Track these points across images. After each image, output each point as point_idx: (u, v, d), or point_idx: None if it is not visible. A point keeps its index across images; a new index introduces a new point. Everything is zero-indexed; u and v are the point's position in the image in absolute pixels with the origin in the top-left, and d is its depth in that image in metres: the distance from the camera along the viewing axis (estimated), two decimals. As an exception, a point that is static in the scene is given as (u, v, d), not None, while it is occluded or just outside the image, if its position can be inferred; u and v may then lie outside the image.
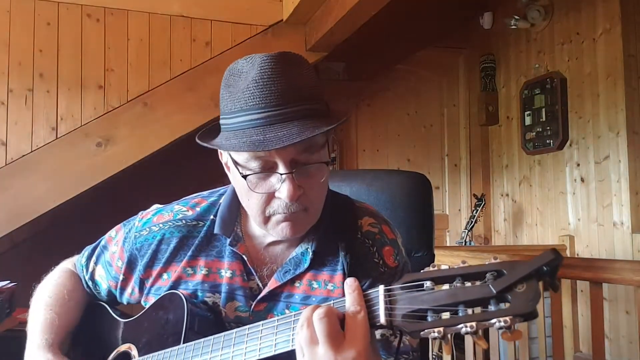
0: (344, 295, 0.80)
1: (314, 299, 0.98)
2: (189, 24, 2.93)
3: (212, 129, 0.97)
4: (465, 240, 4.15)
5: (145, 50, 2.86)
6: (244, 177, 0.90)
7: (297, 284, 0.99)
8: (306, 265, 0.98)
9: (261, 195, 0.91)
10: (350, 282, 0.79)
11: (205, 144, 0.92)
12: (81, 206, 3.09)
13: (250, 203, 0.94)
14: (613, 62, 3.48)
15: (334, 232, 1.00)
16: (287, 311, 0.98)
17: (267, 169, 0.89)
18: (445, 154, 4.78)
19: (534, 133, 4.10)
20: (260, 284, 1.00)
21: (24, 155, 2.63)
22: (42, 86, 2.68)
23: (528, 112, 4.15)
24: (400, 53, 4.37)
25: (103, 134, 2.73)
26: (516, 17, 4.05)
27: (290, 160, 0.88)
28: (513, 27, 4.08)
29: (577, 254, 3.69)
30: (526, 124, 4.17)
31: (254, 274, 1.00)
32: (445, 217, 4.69)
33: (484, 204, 4.19)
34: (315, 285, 0.98)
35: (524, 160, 4.28)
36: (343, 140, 4.45)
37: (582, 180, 3.71)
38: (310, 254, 0.98)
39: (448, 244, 4.60)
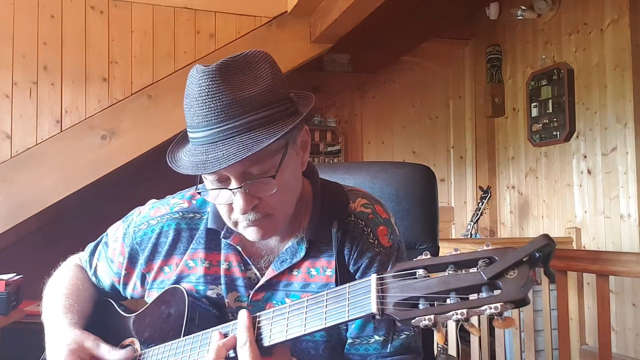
0: (332, 280, 0.90)
1: (313, 286, 0.99)
2: (193, 16, 2.92)
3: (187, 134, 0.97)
4: (470, 233, 4.13)
5: (149, 43, 2.85)
6: (198, 193, 0.93)
7: (295, 273, 1.00)
8: (302, 254, 0.99)
9: (223, 207, 0.93)
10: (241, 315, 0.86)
11: (168, 159, 0.95)
12: (86, 199, 3.10)
13: (219, 210, 0.96)
14: (621, 53, 3.44)
15: (326, 218, 1.00)
16: (287, 300, 0.98)
17: (223, 182, 0.90)
18: (451, 146, 4.76)
19: (541, 125, 4.07)
20: (258, 274, 1.01)
21: (28, 148, 2.64)
22: (47, 79, 2.69)
23: (534, 104, 4.13)
24: (406, 44, 4.35)
25: (107, 127, 2.74)
26: (523, 7, 4.01)
27: (241, 174, 0.88)
28: (520, 17, 4.05)
29: (584, 247, 3.67)
30: (533, 115, 4.15)
31: (250, 263, 1.01)
32: (451, 209, 4.68)
33: (490, 196, 4.17)
34: (313, 272, 0.99)
35: (530, 152, 4.25)
36: (348, 133, 4.44)
37: (589, 172, 3.68)
38: (306, 243, 0.99)
39: (454, 237, 4.60)
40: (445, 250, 2.91)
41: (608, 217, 3.52)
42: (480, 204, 4.16)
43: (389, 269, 0.98)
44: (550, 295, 2.58)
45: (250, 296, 1.00)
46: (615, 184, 3.47)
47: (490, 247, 0.69)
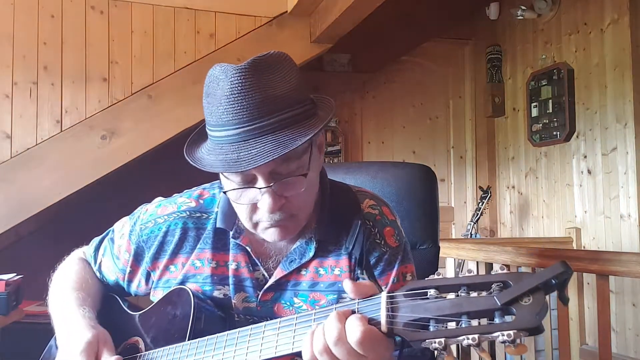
0: (340, 279, 0.91)
1: (321, 285, 0.99)
2: (193, 16, 2.92)
3: (202, 131, 0.97)
4: (470, 233, 4.13)
5: (150, 43, 2.84)
6: (224, 192, 0.93)
7: (303, 272, 1.00)
8: (311, 254, 1.00)
9: (246, 205, 0.92)
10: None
11: (189, 159, 0.93)
12: (86, 199, 3.10)
13: (238, 211, 0.96)
14: (621, 53, 3.44)
15: (335, 218, 1.02)
16: (295, 299, 0.99)
17: (248, 182, 0.90)
18: (451, 146, 4.76)
19: (541, 125, 4.07)
20: (267, 274, 1.01)
21: (29, 149, 2.63)
22: (47, 79, 2.68)
23: (535, 104, 4.12)
24: (406, 44, 4.34)
25: (107, 127, 2.73)
26: (523, 7, 4.01)
27: (268, 173, 0.88)
28: (520, 17, 4.05)
29: (584, 247, 3.67)
30: (533, 115, 4.14)
31: (259, 264, 1.01)
32: (451, 209, 4.68)
33: (490, 196, 4.17)
34: (322, 271, 1.00)
35: (530, 152, 4.25)
36: (348, 133, 4.44)
37: (589, 172, 3.68)
38: (315, 243, 1.00)
39: (454, 237, 4.59)
40: (446, 250, 2.89)
41: (608, 217, 3.52)
42: (480, 204, 4.16)
43: (393, 272, 1.00)
44: (550, 295, 2.58)
45: (259, 296, 1.00)
46: (615, 184, 3.47)
47: (505, 271, 0.67)
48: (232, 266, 1.01)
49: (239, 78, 0.86)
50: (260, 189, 0.88)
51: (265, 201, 0.89)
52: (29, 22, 2.67)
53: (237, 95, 0.86)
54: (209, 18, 2.95)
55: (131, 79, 2.80)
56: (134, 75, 2.80)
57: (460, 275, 0.69)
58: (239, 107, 0.85)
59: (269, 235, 0.94)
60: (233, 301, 1.00)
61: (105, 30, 2.78)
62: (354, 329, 0.71)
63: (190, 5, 2.92)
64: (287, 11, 3.07)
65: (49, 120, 2.67)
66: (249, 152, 0.85)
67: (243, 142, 0.86)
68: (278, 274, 1.00)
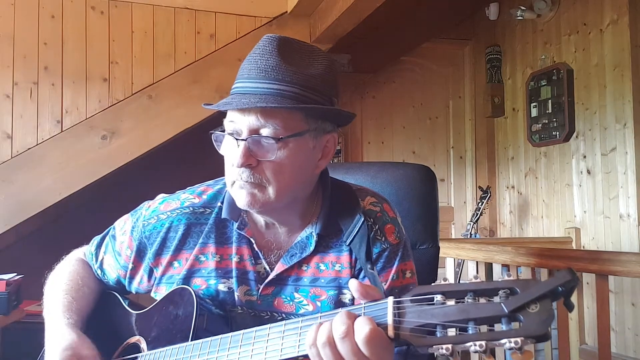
0: (351, 275, 0.95)
1: (322, 281, 1.01)
2: (193, 16, 2.92)
3: None
4: (470, 233, 4.14)
5: (150, 43, 2.85)
6: (211, 134, 0.98)
7: (304, 267, 1.02)
8: (311, 248, 1.01)
9: (229, 160, 0.96)
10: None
11: (213, 107, 0.99)
12: (86, 199, 3.10)
13: (225, 166, 0.99)
14: (620, 53, 3.45)
15: (336, 214, 1.03)
16: (295, 294, 1.00)
17: (237, 134, 0.95)
18: (451, 146, 4.76)
19: (540, 125, 4.08)
20: (268, 268, 1.02)
21: (29, 149, 2.63)
22: (47, 79, 2.68)
23: (534, 104, 4.13)
24: (406, 45, 4.34)
25: (108, 127, 2.74)
26: (522, 7, 4.01)
27: (251, 129, 0.93)
28: (519, 17, 4.05)
29: (583, 247, 3.67)
30: (532, 115, 4.15)
31: (261, 257, 1.03)
32: (451, 209, 4.68)
33: (490, 196, 4.18)
34: (322, 267, 1.01)
35: (530, 152, 4.26)
36: (348, 133, 4.45)
37: (589, 172, 3.69)
38: (315, 237, 1.01)
39: (453, 237, 4.60)
40: (446, 250, 2.89)
41: (607, 217, 3.53)
42: (480, 204, 4.16)
43: (393, 268, 1.01)
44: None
45: (259, 290, 1.01)
46: (614, 184, 3.48)
47: (511, 278, 0.67)
48: (234, 259, 1.02)
49: (264, 42, 0.96)
50: (237, 139, 0.93)
51: (236, 152, 0.93)
52: (29, 23, 2.68)
53: (257, 55, 0.95)
54: (209, 18, 2.95)
55: (131, 79, 2.80)
56: (134, 75, 2.81)
57: (464, 281, 0.69)
58: (254, 65, 0.94)
59: (240, 197, 0.96)
60: (236, 294, 1.01)
61: (105, 31, 2.79)
62: (363, 327, 0.72)
63: (191, 6, 2.92)
64: (287, 11, 3.07)
65: (49, 121, 2.67)
66: (241, 100, 0.92)
67: (246, 94, 0.93)
68: (279, 268, 1.01)
